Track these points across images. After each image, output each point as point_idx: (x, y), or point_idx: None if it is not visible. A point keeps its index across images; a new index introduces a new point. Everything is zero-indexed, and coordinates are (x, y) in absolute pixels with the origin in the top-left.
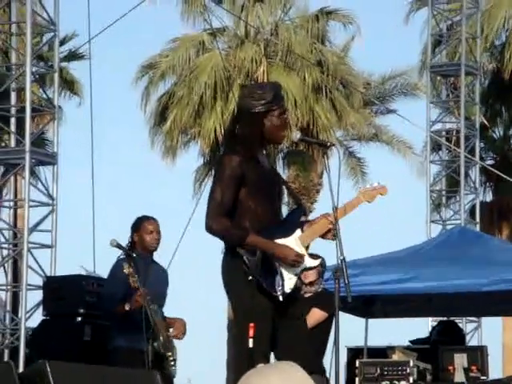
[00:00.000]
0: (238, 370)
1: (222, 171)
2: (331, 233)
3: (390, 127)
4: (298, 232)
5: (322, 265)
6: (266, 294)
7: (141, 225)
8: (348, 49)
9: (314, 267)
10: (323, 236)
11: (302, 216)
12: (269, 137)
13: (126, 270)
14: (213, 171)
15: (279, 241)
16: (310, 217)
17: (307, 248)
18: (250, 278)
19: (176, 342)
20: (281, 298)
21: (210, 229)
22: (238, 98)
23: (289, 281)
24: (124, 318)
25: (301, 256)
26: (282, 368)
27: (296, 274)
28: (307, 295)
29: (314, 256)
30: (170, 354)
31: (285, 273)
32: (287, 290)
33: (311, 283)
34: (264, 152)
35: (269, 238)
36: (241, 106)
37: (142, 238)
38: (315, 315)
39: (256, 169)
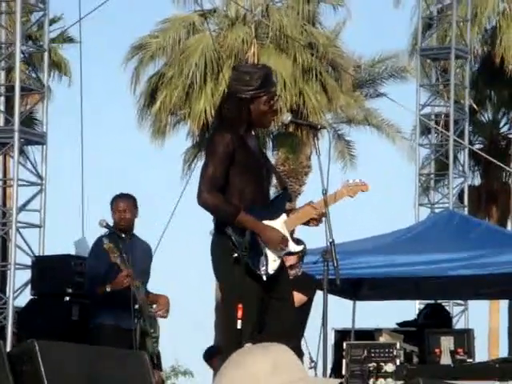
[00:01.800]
0: (226, 350)
1: (214, 147)
2: (315, 221)
3: (379, 110)
4: (284, 216)
5: (303, 249)
6: (252, 274)
7: (112, 204)
8: (339, 32)
9: (297, 252)
10: (307, 223)
11: (287, 201)
12: (255, 122)
13: (105, 246)
14: (202, 153)
15: (266, 223)
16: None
17: (292, 233)
18: (236, 254)
19: (162, 321)
20: (264, 278)
21: (204, 202)
22: (228, 80)
23: (273, 262)
24: (109, 296)
25: (286, 241)
26: (270, 349)
27: (280, 257)
28: None
29: (297, 241)
30: (152, 331)
31: (269, 254)
32: (271, 271)
33: (291, 266)
34: (253, 133)
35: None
36: (229, 88)
37: (114, 218)
38: (295, 298)
39: (244, 150)
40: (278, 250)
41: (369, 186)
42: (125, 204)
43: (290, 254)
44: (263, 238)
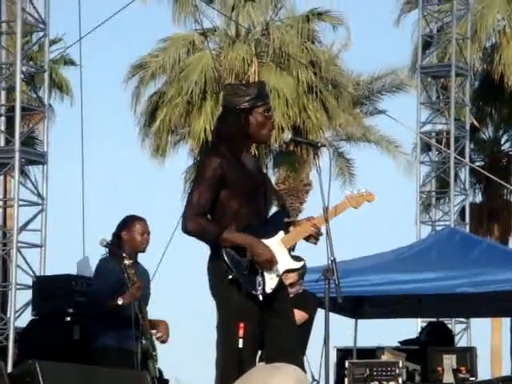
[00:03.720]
0: (226, 370)
1: (200, 173)
2: (313, 237)
3: (379, 127)
4: (281, 234)
5: (303, 267)
6: (248, 294)
7: (133, 224)
8: (339, 51)
9: (296, 269)
10: (306, 239)
11: (285, 218)
12: (253, 134)
13: (126, 261)
14: None
15: (264, 241)
16: (299, 217)
17: (293, 250)
18: (230, 276)
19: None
20: (260, 298)
21: (185, 229)
22: (223, 97)
23: (270, 281)
24: (112, 315)
25: (272, 261)
26: (290, 370)
27: (278, 275)
28: None
29: (296, 258)
30: (155, 353)
31: (266, 273)
32: (268, 290)
33: (291, 284)
34: (251, 153)
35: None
36: (225, 103)
37: (133, 238)
38: (296, 316)
39: (239, 170)
40: (266, 268)
41: (374, 196)
42: (146, 227)
43: (290, 271)
44: (250, 252)
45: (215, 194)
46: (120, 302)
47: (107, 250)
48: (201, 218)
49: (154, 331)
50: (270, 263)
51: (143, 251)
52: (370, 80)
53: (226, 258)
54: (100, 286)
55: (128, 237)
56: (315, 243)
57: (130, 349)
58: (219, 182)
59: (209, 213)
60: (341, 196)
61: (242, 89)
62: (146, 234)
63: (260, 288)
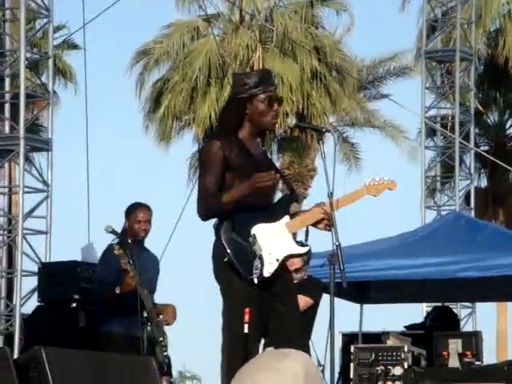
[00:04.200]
0: (232, 355)
1: (203, 157)
2: (324, 222)
3: (383, 112)
4: (287, 218)
5: (308, 252)
6: (248, 279)
7: (132, 212)
8: (342, 36)
9: (299, 255)
10: (315, 225)
11: (292, 202)
12: (255, 122)
13: (116, 252)
14: None
15: (266, 225)
16: (305, 202)
17: (294, 236)
18: (226, 259)
19: (169, 327)
20: (255, 281)
21: (200, 216)
22: (230, 87)
23: (269, 265)
24: (116, 302)
25: (273, 176)
26: (300, 356)
27: (277, 260)
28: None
29: (300, 244)
30: (161, 339)
31: (266, 258)
32: (266, 274)
33: (296, 270)
34: (258, 140)
35: (255, 222)
36: (230, 92)
37: (131, 226)
38: (301, 302)
39: (243, 154)
40: (272, 184)
41: (396, 184)
42: (146, 214)
43: (292, 256)
44: (251, 189)
45: (220, 174)
46: (118, 291)
47: (115, 236)
48: (206, 200)
49: (160, 316)
50: (271, 180)
51: (141, 239)
52: (374, 65)
53: (223, 241)
54: (104, 273)
55: (128, 225)
56: (329, 229)
57: (135, 335)
58: (223, 164)
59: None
60: (348, 182)
61: (243, 77)
62: (144, 221)
63: (257, 271)
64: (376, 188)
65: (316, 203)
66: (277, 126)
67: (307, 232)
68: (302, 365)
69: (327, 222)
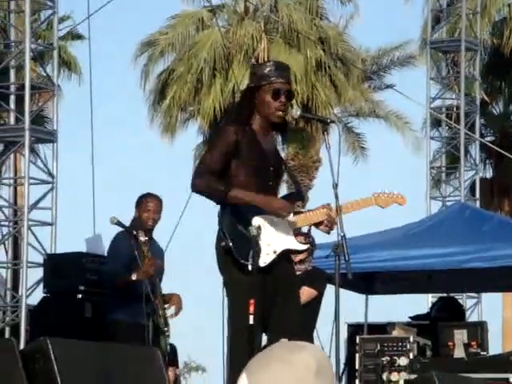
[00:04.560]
0: (238, 346)
1: (214, 137)
2: (325, 224)
3: (389, 102)
4: (290, 215)
5: (312, 244)
6: (241, 265)
7: (141, 202)
8: (346, 27)
9: (299, 251)
10: (317, 226)
11: (298, 201)
12: (261, 113)
13: (142, 238)
14: None
15: (268, 216)
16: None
17: (299, 228)
18: (224, 243)
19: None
20: (249, 268)
21: (193, 187)
22: None
23: (265, 256)
24: (125, 290)
25: (287, 207)
26: (312, 349)
27: (275, 252)
28: (297, 273)
29: (303, 235)
30: (166, 329)
31: (263, 248)
32: (261, 264)
33: (300, 261)
34: (272, 135)
35: (258, 212)
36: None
37: (140, 216)
38: (305, 293)
39: (251, 144)
40: (283, 215)
41: (406, 200)
42: (155, 204)
43: (292, 252)
44: (270, 209)
45: (227, 158)
46: (134, 277)
47: (121, 228)
48: (209, 176)
49: (166, 305)
50: (286, 211)
51: (150, 229)
52: (378, 55)
53: (223, 226)
54: (115, 262)
55: (137, 214)
56: (328, 232)
57: (141, 323)
58: (232, 148)
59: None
60: (352, 171)
61: (256, 67)
62: (153, 211)
63: (251, 259)
64: (385, 200)
65: (322, 204)
66: (284, 114)
67: (309, 232)
68: (314, 358)
69: (329, 226)
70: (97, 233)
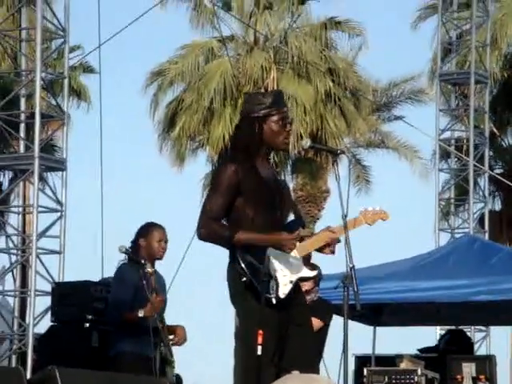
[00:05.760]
0: (245, 377)
1: (216, 179)
2: (329, 247)
3: (398, 134)
4: (297, 243)
5: (318, 274)
6: (264, 298)
7: (150, 231)
8: (355, 58)
9: (312, 278)
10: (320, 250)
11: (299, 227)
12: (268, 142)
13: (149, 269)
14: None
15: (275, 249)
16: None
17: (308, 258)
18: (245, 279)
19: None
20: (274, 301)
21: (199, 236)
22: (241, 105)
23: (283, 287)
24: (129, 323)
25: (294, 240)
26: (319, 380)
27: (291, 281)
28: None
29: (311, 265)
30: (172, 359)
31: (280, 279)
32: (281, 295)
33: (307, 291)
34: (269, 161)
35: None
36: (242, 112)
37: (150, 245)
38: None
39: (255, 177)
40: (290, 251)
41: (389, 215)
42: (164, 234)
43: (304, 279)
44: (277, 245)
45: (230, 200)
46: (141, 314)
47: (126, 256)
48: (213, 223)
49: (171, 337)
50: (292, 245)
51: (160, 258)
52: (388, 87)
53: (241, 262)
54: (120, 294)
55: (145, 243)
56: (333, 253)
57: (148, 355)
58: (235, 189)
59: (225, 220)
60: (357, 204)
61: (257, 97)
62: (163, 241)
63: (273, 292)
64: (371, 217)
65: (323, 228)
66: (291, 147)
67: (309, 256)
68: None
69: (331, 248)
70: None
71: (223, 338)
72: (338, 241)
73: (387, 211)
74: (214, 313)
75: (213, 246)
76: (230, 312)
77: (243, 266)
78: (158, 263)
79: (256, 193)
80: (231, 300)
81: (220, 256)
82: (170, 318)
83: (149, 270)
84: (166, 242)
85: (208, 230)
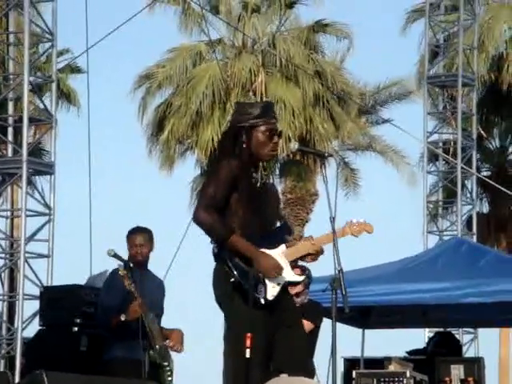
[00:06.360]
0: (234, 381)
1: (218, 169)
2: (311, 256)
3: (386, 137)
4: (283, 246)
5: (308, 276)
6: (252, 299)
7: (128, 237)
8: (343, 60)
9: (298, 282)
10: (302, 258)
11: (286, 233)
12: (254, 152)
13: (121, 272)
14: None
15: (267, 251)
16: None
17: (296, 261)
18: (233, 279)
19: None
20: (262, 302)
21: (197, 218)
22: (231, 115)
23: (272, 289)
24: (120, 327)
25: (280, 268)
26: (309, 382)
27: (279, 284)
28: None
29: (300, 268)
30: (166, 363)
31: (268, 281)
32: (269, 297)
33: (297, 294)
34: (256, 169)
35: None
36: (230, 120)
37: (129, 251)
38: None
39: (248, 180)
40: (272, 278)
41: (373, 228)
42: (141, 238)
43: (292, 284)
44: (256, 265)
45: (228, 194)
46: (123, 318)
47: (116, 259)
48: (214, 212)
49: (167, 341)
50: (278, 272)
51: (138, 263)
52: (376, 90)
53: (228, 262)
54: (108, 299)
55: (129, 250)
56: (314, 260)
57: (138, 359)
58: (233, 184)
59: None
60: (346, 206)
61: (246, 107)
62: (140, 245)
63: (261, 293)
64: (356, 229)
65: (305, 237)
66: (279, 149)
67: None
68: None
69: (314, 256)
70: (105, 269)
71: (215, 343)
72: (322, 252)
73: (371, 224)
74: (202, 317)
75: (206, 246)
76: (218, 316)
77: (231, 266)
78: (153, 265)
79: (248, 195)
80: (217, 301)
81: (208, 259)
82: (171, 319)
83: (120, 273)
84: (142, 245)
85: (208, 217)
